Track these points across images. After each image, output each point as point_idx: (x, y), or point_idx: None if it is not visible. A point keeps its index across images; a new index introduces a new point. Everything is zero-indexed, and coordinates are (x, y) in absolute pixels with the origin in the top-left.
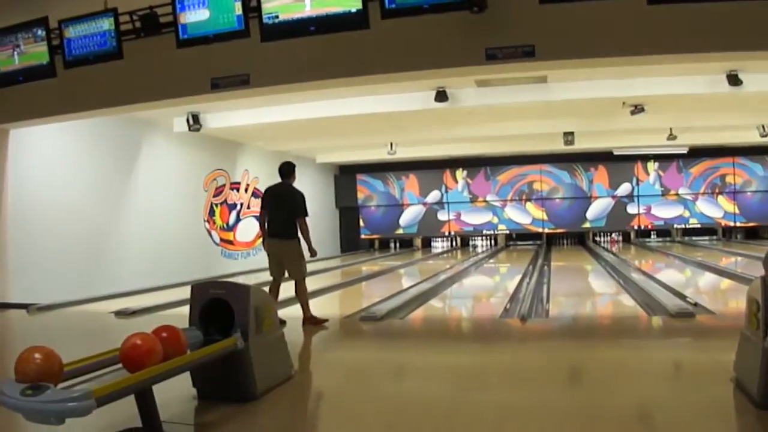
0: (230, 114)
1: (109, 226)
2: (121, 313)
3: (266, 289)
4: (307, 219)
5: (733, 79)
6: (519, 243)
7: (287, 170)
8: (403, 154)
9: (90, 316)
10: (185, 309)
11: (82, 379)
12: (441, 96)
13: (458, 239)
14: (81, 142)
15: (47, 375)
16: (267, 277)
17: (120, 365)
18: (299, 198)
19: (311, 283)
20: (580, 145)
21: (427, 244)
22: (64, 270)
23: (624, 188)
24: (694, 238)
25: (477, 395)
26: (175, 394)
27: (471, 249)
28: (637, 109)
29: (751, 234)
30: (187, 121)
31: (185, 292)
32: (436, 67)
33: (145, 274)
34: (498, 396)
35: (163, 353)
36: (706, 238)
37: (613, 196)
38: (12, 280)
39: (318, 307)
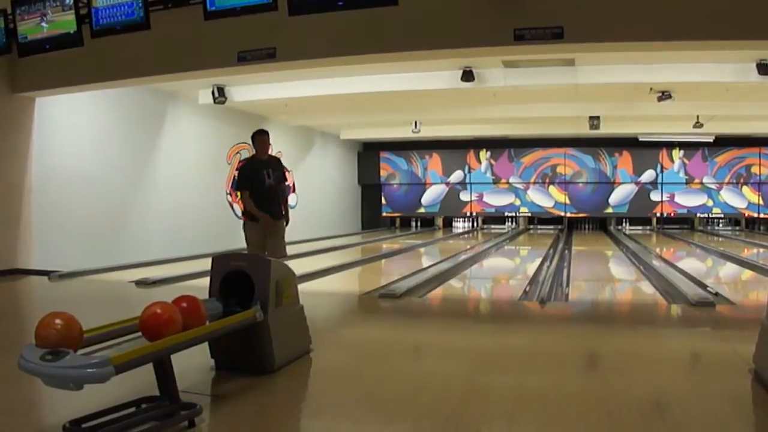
0: (255, 87)
1: (132, 195)
2: (141, 283)
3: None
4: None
5: (764, 68)
6: (540, 226)
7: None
8: (427, 132)
9: (111, 284)
10: (205, 281)
11: (101, 346)
12: (467, 76)
13: (480, 221)
14: (106, 112)
15: (67, 341)
16: (288, 250)
17: (139, 334)
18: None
19: (332, 259)
20: (606, 129)
21: (448, 224)
22: (86, 238)
23: (648, 175)
24: (717, 228)
25: (494, 377)
26: (194, 364)
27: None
28: (665, 95)
29: None
30: (213, 93)
31: (206, 264)
32: (464, 46)
33: (166, 245)
34: (515, 379)
35: (182, 323)
36: (729, 228)
37: (637, 183)
38: (34, 247)
39: (337, 282)
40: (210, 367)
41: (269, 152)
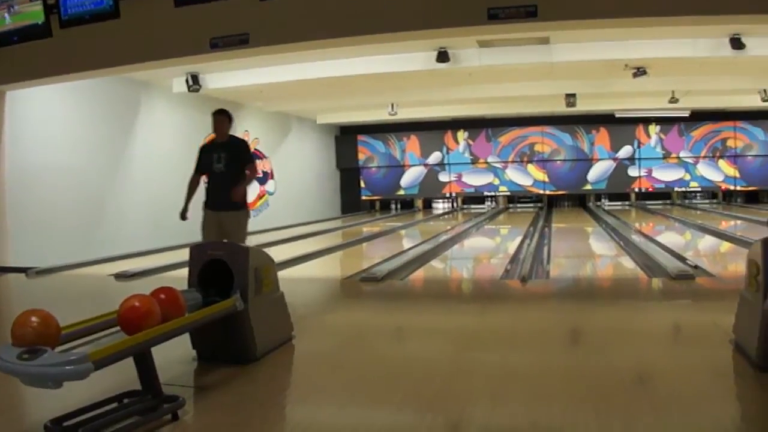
0: (230, 74)
1: (108, 187)
2: (120, 276)
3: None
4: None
5: (737, 43)
6: (520, 205)
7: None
8: (405, 114)
9: (89, 279)
10: (184, 271)
11: (80, 343)
12: (442, 56)
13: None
14: (79, 104)
15: (44, 338)
16: (267, 237)
17: (118, 328)
18: None
19: (312, 245)
20: (582, 107)
21: (428, 205)
22: (62, 233)
23: (625, 151)
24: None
25: (478, 356)
26: (175, 356)
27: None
28: (639, 71)
29: (752, 198)
30: (187, 81)
31: (185, 255)
32: (438, 26)
33: (144, 237)
34: (499, 357)
35: (161, 315)
36: (707, 201)
37: (615, 159)
38: (10, 244)
39: (318, 268)
40: (192, 358)
41: (228, 133)
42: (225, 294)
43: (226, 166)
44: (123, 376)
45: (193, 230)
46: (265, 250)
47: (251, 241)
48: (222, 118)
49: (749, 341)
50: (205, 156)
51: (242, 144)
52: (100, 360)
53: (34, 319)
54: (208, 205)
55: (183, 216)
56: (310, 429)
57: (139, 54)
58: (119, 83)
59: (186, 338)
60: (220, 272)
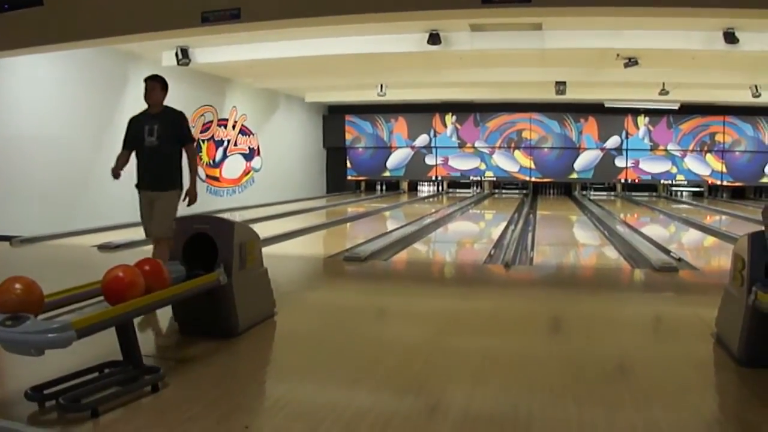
0: (220, 49)
1: (94, 159)
2: (104, 247)
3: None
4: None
5: (730, 37)
6: (505, 191)
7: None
8: (393, 96)
9: (73, 249)
10: None
11: (63, 311)
12: (434, 39)
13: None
14: (67, 74)
15: (27, 306)
16: (252, 214)
17: (102, 297)
18: None
19: (297, 223)
20: (572, 95)
21: (413, 187)
22: (47, 203)
23: (613, 141)
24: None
25: (458, 340)
26: (157, 328)
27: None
28: (631, 61)
29: (738, 193)
30: (176, 55)
31: None
32: (431, 8)
33: (129, 209)
34: (480, 341)
35: (145, 286)
36: (692, 195)
37: (602, 149)
38: None
39: (302, 246)
40: (173, 330)
41: (162, 103)
42: (209, 268)
43: (159, 140)
44: (105, 345)
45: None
46: (250, 226)
47: (235, 217)
48: (154, 84)
49: (731, 335)
50: (134, 128)
51: (179, 117)
52: (83, 329)
53: (17, 286)
54: (141, 185)
55: (116, 174)
56: (289, 405)
57: (129, 26)
58: (108, 54)
59: (168, 311)
60: (205, 246)
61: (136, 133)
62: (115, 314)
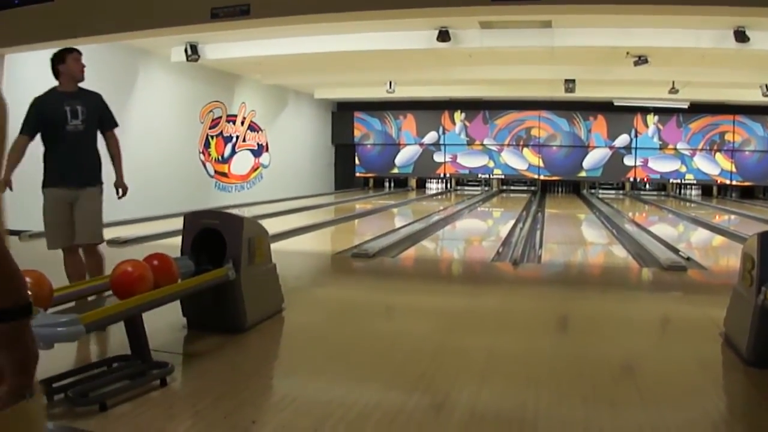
0: (229, 45)
1: (103, 154)
2: (113, 242)
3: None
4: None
5: (741, 36)
6: (513, 186)
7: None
8: (402, 93)
9: None
10: (178, 240)
11: (72, 305)
12: (443, 36)
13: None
14: None
15: (37, 299)
16: (260, 210)
17: (110, 292)
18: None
19: (305, 219)
20: (581, 93)
21: (421, 184)
22: None
23: (622, 139)
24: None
25: (466, 337)
26: (165, 323)
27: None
28: (641, 60)
29: (747, 193)
30: (186, 50)
31: (178, 223)
32: (441, 5)
33: (138, 204)
34: (487, 339)
35: (153, 281)
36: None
37: (611, 147)
38: (5, 207)
39: (310, 242)
40: (182, 325)
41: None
42: (217, 263)
43: (84, 124)
44: (114, 339)
45: (187, 199)
46: (259, 222)
47: (243, 213)
48: (80, 56)
49: (740, 335)
50: (49, 109)
51: (101, 97)
52: (92, 323)
53: (27, 279)
54: (58, 181)
55: (7, 185)
56: (296, 401)
57: (139, 22)
58: (118, 50)
59: (177, 306)
60: (213, 241)
61: (52, 116)
62: (124, 309)
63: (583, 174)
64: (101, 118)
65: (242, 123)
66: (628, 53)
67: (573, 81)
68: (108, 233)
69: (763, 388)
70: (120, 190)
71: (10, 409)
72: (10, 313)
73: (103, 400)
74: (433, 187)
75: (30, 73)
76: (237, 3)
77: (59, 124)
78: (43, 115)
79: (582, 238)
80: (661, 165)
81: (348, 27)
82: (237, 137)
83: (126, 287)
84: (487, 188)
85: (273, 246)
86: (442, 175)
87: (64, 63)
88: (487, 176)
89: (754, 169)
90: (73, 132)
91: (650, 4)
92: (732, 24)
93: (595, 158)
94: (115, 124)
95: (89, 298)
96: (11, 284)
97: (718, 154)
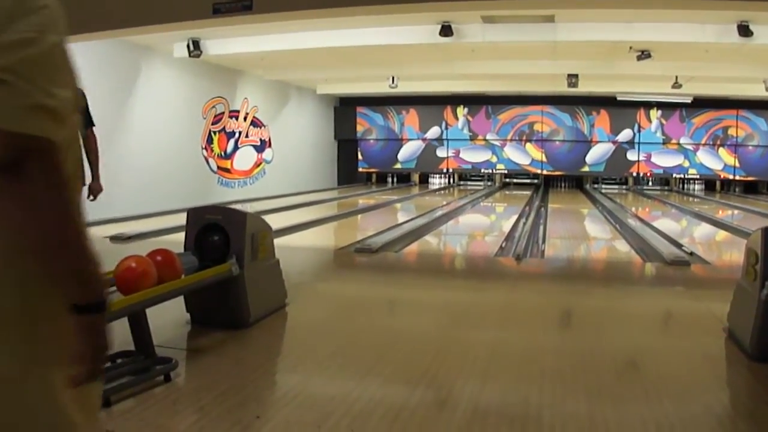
0: (231, 41)
1: (106, 150)
2: (116, 238)
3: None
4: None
5: (744, 30)
6: (516, 183)
7: None
8: (405, 88)
9: None
10: (181, 236)
11: None
12: (446, 30)
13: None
14: (79, 66)
15: None
16: (264, 205)
17: (114, 288)
18: None
19: (308, 214)
20: (584, 88)
21: (424, 180)
22: None
23: (625, 134)
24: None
25: (469, 333)
26: (169, 319)
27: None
28: (644, 54)
29: (750, 188)
30: (188, 46)
31: (181, 219)
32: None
33: (141, 200)
34: (491, 334)
35: (157, 277)
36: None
37: (614, 142)
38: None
39: (313, 237)
40: (185, 321)
41: None
42: (221, 259)
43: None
44: (117, 336)
45: (190, 195)
46: (262, 217)
47: (246, 209)
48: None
49: (744, 330)
50: None
51: (84, 95)
52: None
53: None
54: None
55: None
56: (300, 396)
57: (141, 18)
58: (120, 46)
59: (180, 301)
60: (217, 237)
61: None
62: (128, 304)
63: (586, 169)
64: (86, 116)
65: (245, 119)
66: (631, 48)
67: (576, 76)
68: (111, 229)
69: (766, 382)
70: (92, 195)
71: (82, 387)
72: (90, 308)
73: (107, 396)
74: (436, 182)
75: None
76: None
77: None
78: None
79: (585, 233)
80: (664, 160)
81: (350, 22)
82: (240, 133)
83: (130, 283)
84: (490, 183)
85: (277, 241)
86: (445, 170)
87: None
88: (490, 171)
89: (757, 164)
90: None
91: None
92: (735, 18)
93: (598, 153)
94: (92, 123)
95: None
96: (93, 284)
97: (721, 149)
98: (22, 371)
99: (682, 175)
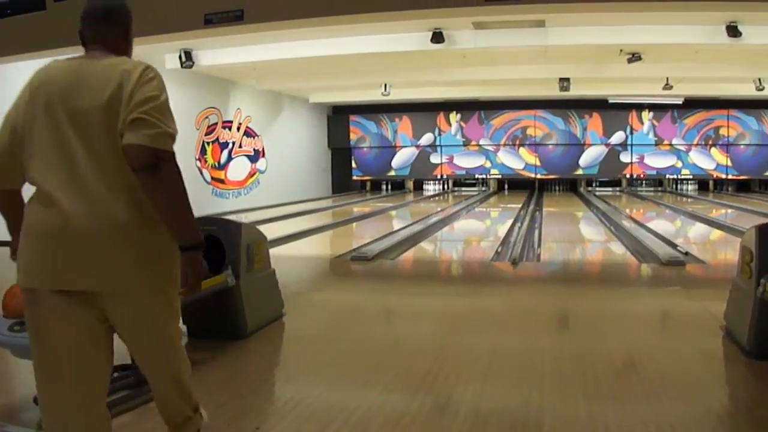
0: (223, 51)
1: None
2: None
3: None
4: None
5: (733, 31)
6: (511, 188)
7: None
8: (397, 95)
9: None
10: None
11: None
12: (437, 37)
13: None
14: None
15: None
16: (258, 215)
17: None
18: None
19: (303, 223)
20: (576, 91)
21: (418, 186)
22: None
23: (618, 137)
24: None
25: (467, 338)
26: None
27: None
28: (634, 57)
29: (743, 187)
30: (180, 57)
31: None
32: (434, 6)
33: None
34: (488, 339)
35: None
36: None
37: (607, 144)
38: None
39: (309, 246)
40: (182, 333)
41: None
42: (217, 269)
43: None
44: (114, 350)
45: None
46: (257, 227)
47: (241, 219)
48: None
49: (740, 328)
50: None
51: None
52: None
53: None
54: None
55: None
56: (299, 406)
57: (133, 29)
58: None
59: None
60: (212, 248)
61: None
62: None
63: (579, 172)
64: None
65: (238, 129)
66: (621, 51)
67: (567, 79)
68: None
69: (764, 379)
70: None
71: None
72: (191, 247)
73: None
74: (431, 188)
75: (24, 83)
76: (230, 8)
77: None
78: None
79: (580, 236)
80: (657, 161)
81: (341, 30)
82: (233, 143)
83: None
84: (484, 188)
85: (272, 251)
86: (439, 177)
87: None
88: (484, 176)
89: (749, 163)
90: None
91: (642, 1)
92: (724, 19)
93: (591, 156)
94: None
95: None
96: (194, 233)
97: (713, 149)
98: (166, 281)
99: (675, 176)
